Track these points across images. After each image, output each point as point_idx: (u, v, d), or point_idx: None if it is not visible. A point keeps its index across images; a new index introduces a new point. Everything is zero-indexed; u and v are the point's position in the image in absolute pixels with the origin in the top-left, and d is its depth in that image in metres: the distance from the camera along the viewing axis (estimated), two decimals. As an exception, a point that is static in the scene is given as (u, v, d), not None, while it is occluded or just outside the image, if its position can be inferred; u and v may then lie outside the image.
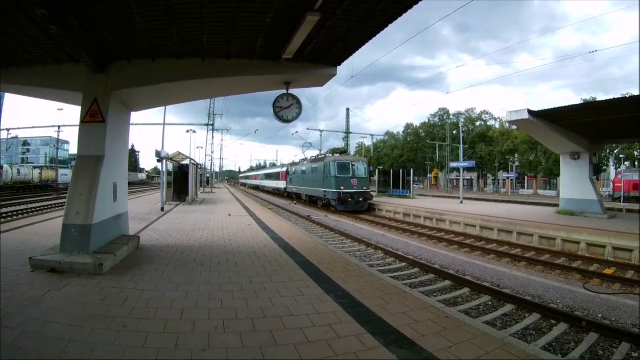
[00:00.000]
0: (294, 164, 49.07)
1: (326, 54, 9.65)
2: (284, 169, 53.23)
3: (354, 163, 34.21)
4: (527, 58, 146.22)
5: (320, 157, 40.47)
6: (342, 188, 31.54)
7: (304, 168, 41.84)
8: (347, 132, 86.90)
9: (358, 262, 10.78)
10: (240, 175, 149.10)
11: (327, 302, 6.75)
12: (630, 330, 7.83)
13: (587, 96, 74.10)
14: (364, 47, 9.21)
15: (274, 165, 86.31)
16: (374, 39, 8.73)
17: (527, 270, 12.99)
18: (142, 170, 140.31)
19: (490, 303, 9.57)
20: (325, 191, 33.80)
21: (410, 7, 7.39)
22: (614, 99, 17.74)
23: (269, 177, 68.12)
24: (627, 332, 7.63)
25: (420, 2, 7.14)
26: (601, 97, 60.18)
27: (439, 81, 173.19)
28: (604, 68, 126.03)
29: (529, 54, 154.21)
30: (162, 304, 6.27)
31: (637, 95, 14.90)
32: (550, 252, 15.40)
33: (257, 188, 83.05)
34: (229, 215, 21.77)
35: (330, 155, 39.42)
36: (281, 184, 53.76)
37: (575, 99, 78.11)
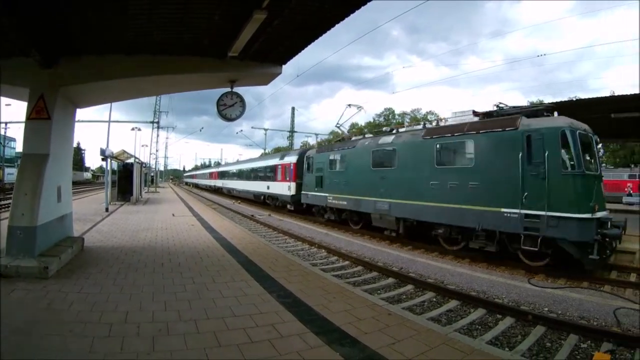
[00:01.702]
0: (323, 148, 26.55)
1: (272, 53, 9.56)
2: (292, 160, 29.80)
3: None
4: (476, 60, 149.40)
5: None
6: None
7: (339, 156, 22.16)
8: (292, 131, 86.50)
9: (301, 261, 10.93)
10: (185, 174, 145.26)
11: (269, 302, 6.74)
12: (578, 322, 8.06)
13: (535, 98, 75.97)
14: (311, 46, 9.16)
15: (265, 155, 59.04)
16: (321, 38, 8.69)
17: (471, 267, 13.14)
18: (87, 169, 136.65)
19: (434, 299, 9.67)
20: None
21: (358, 7, 7.37)
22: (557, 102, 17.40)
23: (251, 174, 41.70)
24: (575, 325, 7.85)
25: (368, 3, 7.17)
26: (548, 99, 61.87)
27: (386, 81, 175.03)
28: (552, 72, 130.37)
29: (477, 56, 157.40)
30: (106, 307, 6.12)
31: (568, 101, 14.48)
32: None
33: (216, 191, 64.24)
34: (173, 215, 21.69)
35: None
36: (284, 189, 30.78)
37: (522, 101, 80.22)
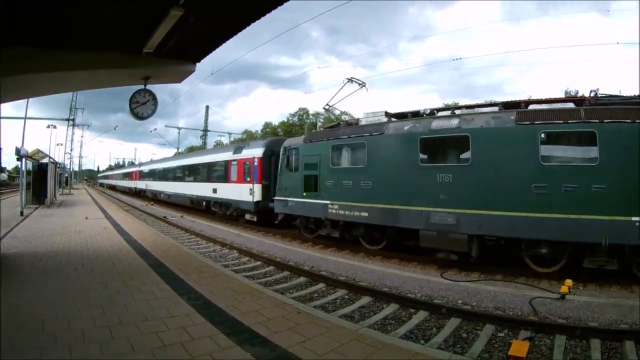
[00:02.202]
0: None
1: (186, 50, 9.33)
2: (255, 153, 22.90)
3: None
4: (395, 62, 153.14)
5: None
6: None
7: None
8: (205, 130, 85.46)
9: (212, 262, 11.07)
10: (100, 175, 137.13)
11: (180, 305, 6.68)
12: (494, 313, 8.38)
13: (450, 101, 78.08)
14: (230, 45, 9.09)
15: (209, 149, 50.95)
16: (240, 36, 8.60)
17: (384, 263, 13.39)
18: (3, 170, 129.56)
19: (347, 296, 9.79)
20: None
21: (275, 7, 7.38)
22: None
23: (187, 174, 34.43)
24: (490, 315, 8.14)
25: (285, 3, 7.16)
26: (464, 102, 64.15)
27: (302, 81, 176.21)
28: (471, 76, 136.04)
29: (396, 58, 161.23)
30: (23, 317, 5.90)
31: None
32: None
33: (137, 194, 54.23)
34: (86, 218, 21.03)
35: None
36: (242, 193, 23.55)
37: (439, 103, 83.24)
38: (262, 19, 7.75)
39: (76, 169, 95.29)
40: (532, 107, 12.08)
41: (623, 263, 10.16)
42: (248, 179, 22.49)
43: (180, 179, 35.63)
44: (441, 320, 8.11)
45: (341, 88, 18.97)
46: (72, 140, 72.08)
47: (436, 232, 12.36)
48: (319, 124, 74.57)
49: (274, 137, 31.20)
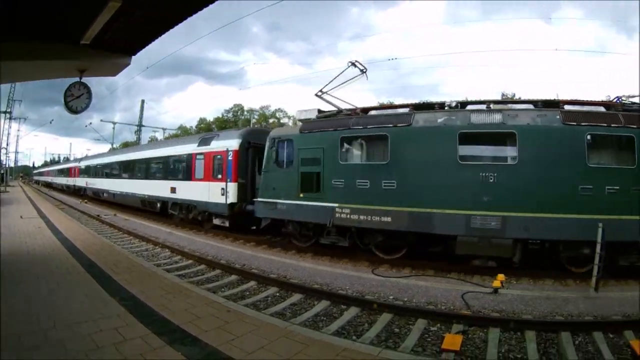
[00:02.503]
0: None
1: (123, 42, 9.09)
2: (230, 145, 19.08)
3: None
4: (333, 61, 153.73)
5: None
6: None
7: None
8: (140, 125, 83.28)
9: (144, 262, 11.06)
10: (35, 172, 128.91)
11: (112, 306, 6.61)
12: (425, 307, 8.61)
13: (386, 100, 78.69)
14: (170, 38, 8.97)
15: (168, 140, 47.38)
16: (182, 30, 8.55)
17: (315, 260, 13.47)
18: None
19: (278, 294, 9.79)
20: None
21: (212, 1, 7.38)
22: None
23: (139, 170, 29.00)
24: (422, 310, 8.35)
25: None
26: (399, 101, 65.01)
27: (239, 77, 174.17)
28: (407, 76, 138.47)
29: (334, 57, 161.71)
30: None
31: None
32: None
33: (76, 192, 47.63)
34: (21, 217, 20.23)
35: None
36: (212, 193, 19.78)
37: (374, 102, 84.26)
38: (205, 12, 7.71)
39: (12, 165, 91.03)
40: (567, 107, 11.70)
41: None
42: (219, 177, 18.78)
43: (129, 176, 30.06)
44: (373, 315, 8.24)
45: (342, 72, 15.78)
46: (8, 134, 68.69)
47: (477, 238, 11.26)
48: (253, 120, 73.47)
49: (250, 126, 26.32)
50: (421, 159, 12.17)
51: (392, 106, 17.00)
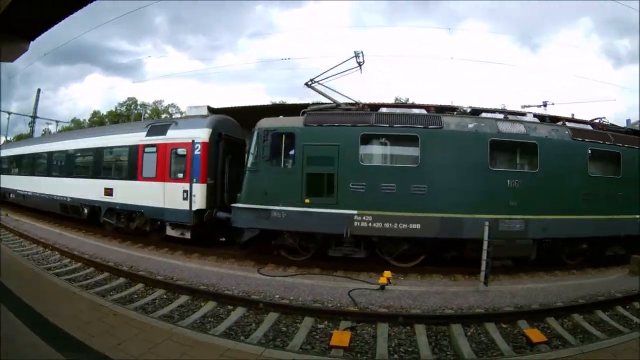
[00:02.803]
0: None
1: (20, 27, 8.97)
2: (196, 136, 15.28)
3: None
4: (232, 57, 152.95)
5: None
6: None
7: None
8: (34, 117, 78.61)
9: (33, 265, 10.78)
10: None
11: (1, 312, 6.35)
12: (312, 305, 8.95)
13: (278, 99, 79.35)
14: (72, 24, 8.76)
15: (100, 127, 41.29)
16: (82, 15, 8.40)
17: (201, 261, 13.37)
18: None
19: (165, 296, 9.69)
20: None
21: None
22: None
23: (62, 164, 22.10)
24: (309, 308, 8.72)
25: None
26: (292, 100, 65.64)
27: (136, 69, 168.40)
28: (303, 77, 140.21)
29: (234, 54, 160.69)
30: None
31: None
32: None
33: None
34: None
35: None
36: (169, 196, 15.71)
37: (266, 100, 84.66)
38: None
39: None
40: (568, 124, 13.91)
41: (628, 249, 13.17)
42: (180, 175, 15.19)
43: (45, 173, 22.99)
44: (260, 315, 8.40)
45: (345, 61, 14.13)
46: None
47: (504, 240, 11.83)
48: (145, 115, 70.81)
49: (220, 115, 17.33)
50: (453, 163, 12.20)
51: (403, 105, 16.91)
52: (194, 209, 14.46)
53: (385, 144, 12.69)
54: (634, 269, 12.49)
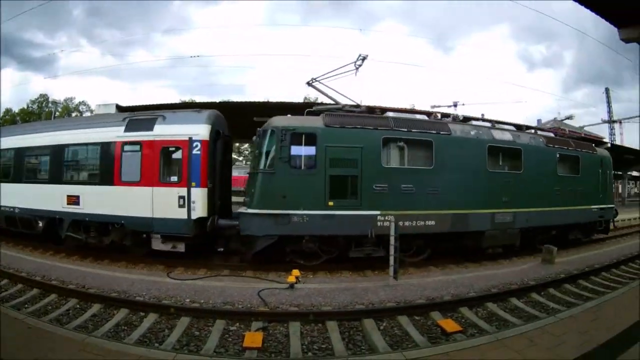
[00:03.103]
0: None
1: None
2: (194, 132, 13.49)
3: None
4: (144, 54, 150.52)
5: None
6: None
7: None
8: None
9: None
10: None
11: None
12: (223, 308, 8.95)
13: (187, 97, 79.14)
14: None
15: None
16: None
17: (111, 267, 12.88)
18: None
19: (78, 306, 9.28)
20: None
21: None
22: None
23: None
24: (220, 310, 8.71)
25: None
26: (203, 99, 65.22)
27: (50, 63, 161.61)
28: (215, 75, 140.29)
29: (147, 50, 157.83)
30: None
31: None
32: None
33: None
34: None
35: None
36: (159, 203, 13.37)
37: (176, 99, 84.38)
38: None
39: None
40: (540, 132, 18.22)
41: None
42: (174, 179, 13.49)
43: None
44: (172, 320, 8.31)
45: (352, 63, 14.69)
46: None
47: (499, 231, 14.31)
48: (57, 114, 68.76)
49: (214, 110, 14.95)
50: (460, 165, 13.72)
51: (410, 110, 18.82)
52: (193, 217, 12.89)
53: (403, 148, 13.37)
54: (546, 257, 13.85)
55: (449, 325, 7.97)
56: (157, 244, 13.21)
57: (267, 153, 12.51)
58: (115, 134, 13.93)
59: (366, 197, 12.58)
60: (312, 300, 9.41)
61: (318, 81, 14.66)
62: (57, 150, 15.12)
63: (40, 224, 15.20)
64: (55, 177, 15.02)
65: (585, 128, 61.55)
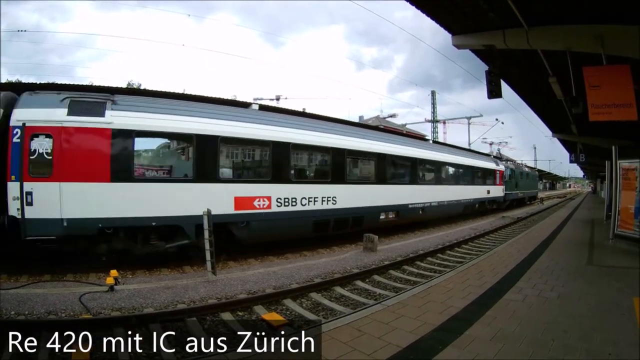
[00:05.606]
0: None
1: None
2: None
3: None
4: None
5: None
6: None
7: None
8: None
9: None
10: None
11: None
12: (47, 318, 7.95)
13: (13, 78, 75.58)
14: None
15: None
16: None
17: None
18: None
19: None
20: None
21: None
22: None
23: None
24: (45, 321, 7.66)
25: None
26: (32, 79, 60.32)
27: None
28: (47, 54, 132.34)
29: None
30: None
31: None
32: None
33: None
34: None
35: None
36: None
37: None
38: None
39: None
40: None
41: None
42: None
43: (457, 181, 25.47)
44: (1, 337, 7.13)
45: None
46: None
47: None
48: None
49: None
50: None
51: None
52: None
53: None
54: (367, 245, 14.42)
55: (274, 318, 7.95)
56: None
57: None
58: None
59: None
60: (133, 302, 8.82)
61: None
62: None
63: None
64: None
65: (408, 126, 65.08)
